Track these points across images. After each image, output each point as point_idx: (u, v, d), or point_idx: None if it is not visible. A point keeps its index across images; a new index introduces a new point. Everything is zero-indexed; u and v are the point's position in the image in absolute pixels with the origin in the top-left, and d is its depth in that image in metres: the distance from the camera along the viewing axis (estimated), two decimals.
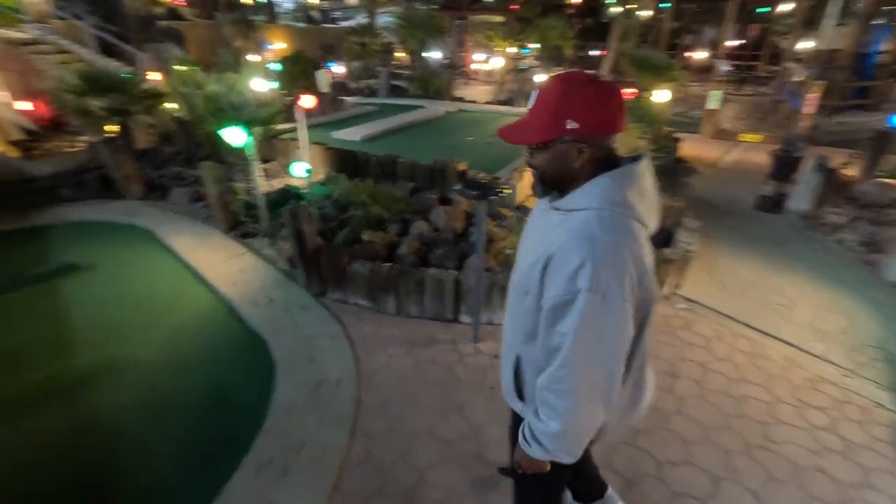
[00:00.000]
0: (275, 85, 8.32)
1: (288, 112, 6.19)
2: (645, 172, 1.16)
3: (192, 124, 6.51)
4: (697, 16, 20.01)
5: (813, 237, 5.29)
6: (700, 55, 16.93)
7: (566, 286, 1.08)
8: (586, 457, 1.50)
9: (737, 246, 4.98)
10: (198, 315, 3.89)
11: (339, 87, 11.97)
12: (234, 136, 4.35)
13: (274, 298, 3.99)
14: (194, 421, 2.85)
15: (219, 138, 4.66)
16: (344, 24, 19.98)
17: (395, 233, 4.52)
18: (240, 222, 5.19)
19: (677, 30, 19.67)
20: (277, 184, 5.91)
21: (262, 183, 4.91)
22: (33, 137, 7.64)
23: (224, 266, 4.50)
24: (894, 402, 2.91)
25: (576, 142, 1.11)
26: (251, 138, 4.49)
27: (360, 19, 18.91)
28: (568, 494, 2.00)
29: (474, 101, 11.20)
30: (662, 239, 4.37)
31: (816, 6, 13.46)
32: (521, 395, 1.40)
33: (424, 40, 13.42)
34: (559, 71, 1.23)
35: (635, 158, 1.17)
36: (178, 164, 6.88)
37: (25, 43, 9.38)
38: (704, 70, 15.62)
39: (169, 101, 7.20)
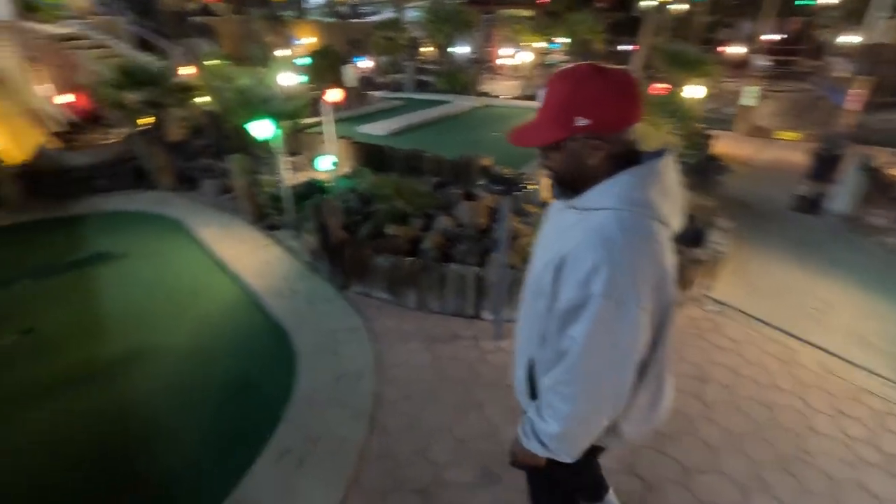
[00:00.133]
0: (303, 79, 8.40)
1: (315, 106, 6.25)
2: (668, 168, 1.09)
3: (221, 117, 6.64)
4: (734, 9, 19.34)
5: (853, 239, 5.05)
6: (736, 50, 16.36)
7: (579, 290, 1.04)
8: (591, 458, 1.46)
9: (771, 247, 4.79)
10: (223, 305, 3.97)
11: (366, 81, 12.03)
12: (263, 128, 4.41)
13: (298, 290, 4.03)
14: (218, 409, 2.91)
15: (247, 131, 4.73)
16: (371, 18, 20.06)
17: (419, 227, 4.51)
18: (266, 214, 5.27)
19: (712, 24, 19.06)
20: (303, 177, 5.97)
21: (289, 176, 4.97)
22: (73, 129, 7.92)
23: (250, 257, 4.57)
24: None
25: (589, 139, 1.05)
26: (279, 131, 4.54)
27: (388, 14, 18.96)
28: None
29: (501, 96, 11.09)
30: (692, 238, 4.24)
31: None
32: (534, 395, 1.37)
33: (451, 35, 13.37)
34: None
35: (658, 153, 1.11)
36: (207, 156, 7.02)
37: (66, 38, 9.71)
38: (740, 65, 15.10)
39: (200, 95, 7.35)
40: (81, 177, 6.27)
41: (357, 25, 18.69)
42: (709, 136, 6.65)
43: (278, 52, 11.71)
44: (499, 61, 16.76)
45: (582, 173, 1.10)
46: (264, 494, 2.25)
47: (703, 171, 5.73)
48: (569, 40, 13.33)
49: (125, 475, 2.47)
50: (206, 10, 15.52)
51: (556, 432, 1.16)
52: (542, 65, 14.10)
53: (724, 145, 7.91)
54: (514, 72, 15.79)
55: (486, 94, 11.32)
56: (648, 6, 14.85)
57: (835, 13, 15.07)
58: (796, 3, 17.46)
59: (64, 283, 4.28)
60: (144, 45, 10.96)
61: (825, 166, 5.69)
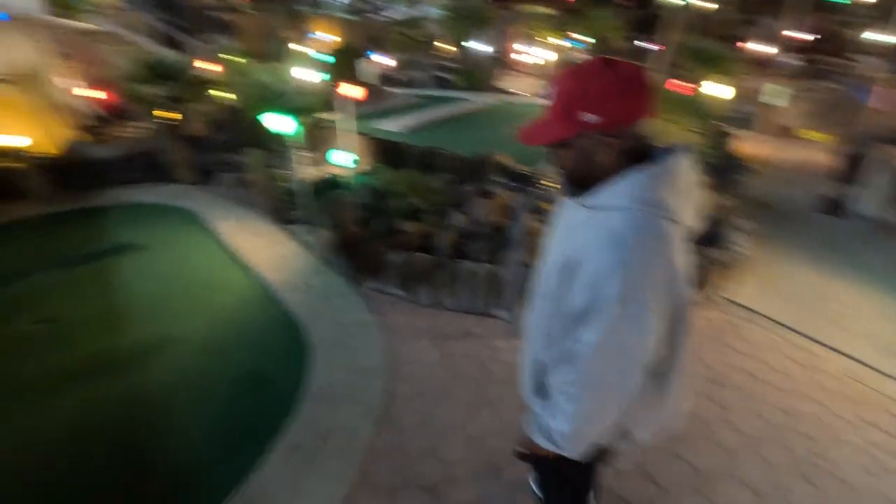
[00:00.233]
0: (324, 75, 8.45)
1: (334, 102, 6.27)
2: (682, 166, 1.06)
3: (240, 112, 6.71)
4: (759, 6, 18.87)
5: (880, 242, 4.90)
6: (759, 47, 15.97)
7: (589, 292, 1.02)
8: (600, 458, 1.44)
9: (793, 249, 4.67)
10: (239, 298, 4.01)
11: (385, 78, 12.05)
12: (281, 123, 4.44)
13: (312, 285, 4.05)
14: (231, 401, 2.94)
15: (266, 127, 4.77)
16: (388, 14, 20.07)
17: (433, 224, 4.50)
18: (282, 209, 5.31)
19: (735, 21, 18.64)
20: (320, 172, 6.00)
21: (306, 171, 5.00)
22: (99, 123, 8.08)
23: (266, 251, 4.62)
24: None
25: (599, 135, 1.02)
26: (301, 127, 4.57)
27: (407, 10, 18.95)
28: None
29: (520, 94, 11.02)
30: (710, 238, 4.16)
31: None
32: (539, 393, 1.35)
33: (470, 32, 13.30)
34: None
35: (671, 149, 1.07)
36: (226, 150, 7.10)
37: (94, 33, 9.90)
38: (763, 63, 14.75)
39: (219, 90, 7.44)
40: (105, 169, 6.40)
41: (376, 22, 18.73)
42: (727, 134, 6.51)
43: (297, 48, 11.79)
44: (518, 58, 16.65)
45: (592, 170, 1.08)
46: (274, 487, 2.27)
47: (724, 171, 5.61)
48: (589, 38, 13.17)
49: (139, 464, 2.51)
50: (227, 7, 15.70)
51: (564, 430, 1.15)
52: (561, 62, 13.96)
53: (745, 144, 7.74)
54: (534, 69, 15.67)
55: (504, 92, 11.25)
56: (674, 3, 14.58)
57: (865, 11, 14.61)
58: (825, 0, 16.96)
59: (85, 273, 4.37)
60: (168, 41, 11.14)
61: (851, 167, 5.53)
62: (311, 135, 6.29)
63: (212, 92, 7.47)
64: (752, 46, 15.34)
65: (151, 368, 3.19)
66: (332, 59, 10.30)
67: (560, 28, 13.67)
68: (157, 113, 6.87)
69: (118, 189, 6.19)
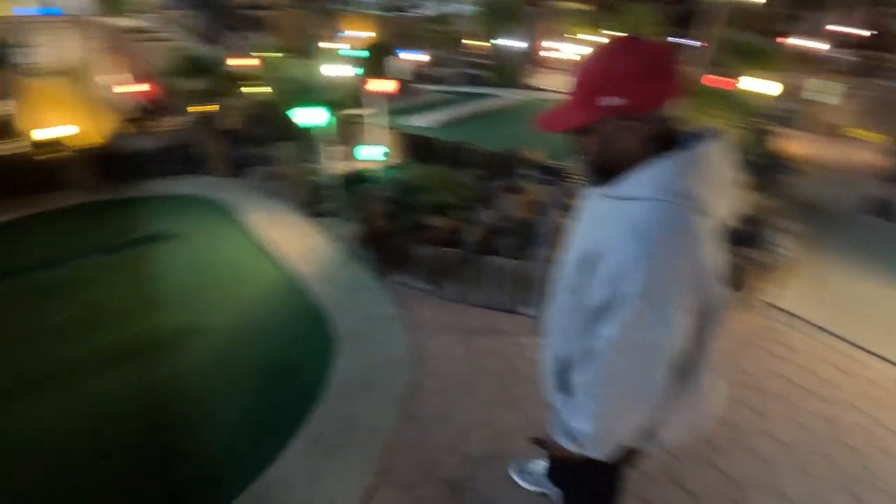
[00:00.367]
0: (357, 71, 8.52)
1: (365, 97, 6.31)
2: (713, 153, 0.98)
3: (274, 107, 6.82)
4: (805, 1, 18.04)
5: None
6: (805, 43, 15.27)
7: (610, 287, 0.96)
8: (626, 461, 1.38)
9: (838, 252, 4.44)
10: (268, 288, 4.07)
11: (416, 74, 12.08)
12: (313, 116, 4.48)
13: (340, 277, 4.08)
14: (258, 388, 2.98)
15: (298, 122, 4.84)
16: (422, 12, 20.10)
17: (461, 219, 4.47)
18: (312, 202, 5.37)
19: (779, 15, 17.88)
20: (351, 166, 6.05)
21: (336, 165, 5.04)
22: (141, 116, 8.38)
23: (295, 243, 4.67)
24: None
25: (622, 120, 0.96)
26: (333, 118, 4.61)
27: (438, 7, 18.93)
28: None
29: (551, 90, 10.86)
30: (749, 239, 3.99)
31: None
32: (562, 390, 1.30)
33: (502, 28, 13.19)
34: None
35: (701, 134, 1.00)
36: (259, 144, 7.24)
37: (138, 31, 10.26)
38: (810, 59, 14.10)
39: (253, 85, 7.59)
40: (144, 161, 6.62)
41: (408, 19, 18.78)
42: (770, 133, 6.24)
43: (330, 45, 11.93)
44: (549, 55, 16.42)
45: (616, 158, 1.02)
46: (294, 477, 2.28)
47: (765, 170, 5.37)
48: (624, 34, 12.85)
49: (165, 447, 2.57)
50: (262, 5, 16.02)
51: (587, 430, 1.11)
52: None
53: (790, 143, 7.42)
54: (566, 66, 15.41)
55: (535, 88, 11.10)
56: None
57: None
58: None
59: (122, 261, 4.53)
60: (206, 38, 11.44)
61: None
62: (341, 129, 6.36)
63: (246, 87, 7.63)
64: (798, 42, 14.69)
65: (181, 354, 3.27)
66: (363, 56, 10.38)
67: (593, 24, 13.38)
68: (193, 107, 7.06)
69: (155, 180, 6.39)
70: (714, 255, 0.99)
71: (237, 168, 6.62)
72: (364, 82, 5.74)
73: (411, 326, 3.43)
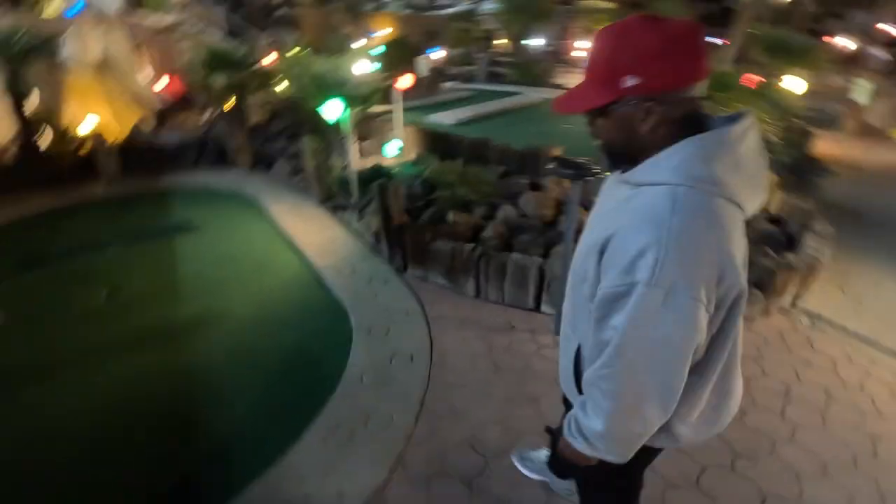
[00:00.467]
0: (377, 67, 8.55)
1: (387, 93, 6.31)
2: (743, 137, 0.91)
3: (298, 102, 6.88)
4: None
5: None
6: (846, 42, 14.68)
7: (623, 276, 0.90)
8: (645, 460, 1.30)
9: (879, 258, 4.23)
10: (287, 279, 4.10)
11: (438, 71, 12.05)
12: (333, 108, 4.49)
13: (358, 270, 4.07)
14: (274, 378, 2.98)
15: (320, 116, 4.85)
16: (446, 11, 20.09)
17: (481, 215, 4.41)
18: (334, 196, 5.39)
19: (818, 14, 17.23)
20: (371, 161, 6.05)
21: (357, 160, 5.05)
22: (167, 110, 8.56)
23: (316, 236, 4.69)
24: None
25: (643, 101, 0.90)
26: (348, 110, 4.61)
27: (463, 6, 18.89)
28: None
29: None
30: (785, 242, 3.83)
31: None
32: (580, 387, 1.24)
33: (527, 26, 13.06)
34: None
35: (732, 118, 0.93)
36: (283, 139, 7.32)
37: (167, 27, 10.50)
38: (852, 59, 13.55)
39: (279, 81, 7.67)
40: (170, 154, 6.76)
41: (432, 17, 18.79)
42: (808, 133, 5.98)
43: (355, 43, 12.01)
44: (576, 54, 16.20)
45: (635, 142, 0.96)
46: (309, 468, 2.26)
47: (800, 171, 5.16)
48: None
49: (183, 433, 2.59)
50: (290, 3, 16.24)
51: (600, 430, 1.04)
52: None
53: (828, 145, 7.12)
54: None
55: (560, 87, 10.95)
56: None
57: None
58: None
59: (146, 251, 4.62)
60: (234, 34, 11.64)
61: None
62: (364, 125, 6.37)
63: (272, 82, 7.71)
64: (841, 41, 14.13)
65: (202, 342, 3.30)
66: (386, 52, 10.40)
67: None
68: (219, 101, 7.17)
69: (181, 173, 6.52)
70: (741, 247, 0.92)
71: (262, 162, 6.70)
72: (390, 79, 5.73)
73: (429, 321, 3.39)
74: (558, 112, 1.05)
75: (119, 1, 9.47)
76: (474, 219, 4.31)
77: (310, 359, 3.13)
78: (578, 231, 3.68)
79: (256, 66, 7.54)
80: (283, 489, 2.16)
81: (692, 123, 0.93)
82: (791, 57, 7.35)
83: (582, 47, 15.01)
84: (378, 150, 6.08)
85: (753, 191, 0.94)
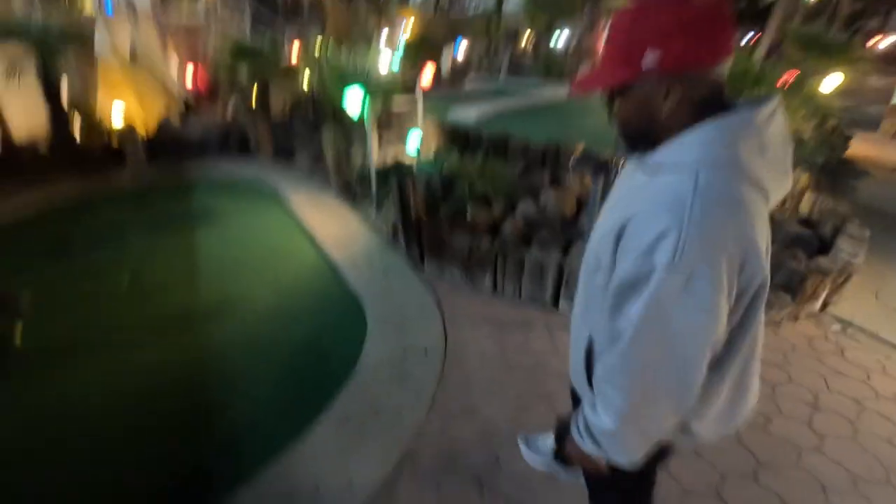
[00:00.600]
0: (399, 61, 8.54)
1: (408, 88, 6.29)
2: (770, 120, 0.85)
3: (320, 94, 6.91)
4: None
5: None
6: (887, 41, 14.10)
7: (640, 261, 0.85)
8: (659, 459, 1.24)
9: None
10: (304, 270, 4.12)
11: (462, 67, 11.99)
12: (354, 98, 4.49)
13: (375, 263, 4.06)
14: (285, 368, 2.99)
15: (342, 109, 4.86)
16: (471, 6, 19.98)
17: (500, 211, 4.35)
18: (353, 188, 5.40)
19: (856, 13, 16.56)
20: (391, 155, 6.04)
21: (377, 153, 5.04)
22: (193, 102, 8.71)
23: (333, 228, 4.70)
24: None
25: (664, 79, 0.85)
26: (367, 99, 4.60)
27: (488, 1, 18.77)
28: None
29: None
30: (818, 246, 3.68)
31: None
32: (591, 382, 1.19)
33: (552, 22, 12.90)
34: None
35: (758, 101, 0.86)
36: (305, 130, 7.36)
37: (195, 23, 10.67)
38: (892, 59, 13.01)
39: (303, 74, 7.72)
40: (194, 144, 6.86)
41: (457, 13, 18.71)
42: (847, 136, 5.75)
43: (381, 37, 12.02)
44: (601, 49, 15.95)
45: (655, 124, 0.90)
46: (320, 457, 2.25)
47: (835, 173, 4.96)
48: None
49: (194, 417, 2.62)
50: None
51: (610, 428, 0.98)
52: None
53: (865, 147, 6.84)
54: None
55: None
56: None
57: None
58: None
59: (169, 239, 4.70)
60: (262, 26, 11.78)
61: None
62: (385, 118, 6.36)
63: (295, 75, 7.77)
64: (883, 41, 13.57)
65: (219, 330, 3.33)
66: (409, 46, 10.39)
67: None
68: (244, 93, 7.26)
69: (205, 163, 6.61)
70: (764, 234, 0.87)
71: (283, 153, 6.75)
72: (415, 73, 5.71)
73: (444, 316, 3.36)
74: (577, 92, 1.00)
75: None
76: (493, 214, 4.25)
77: (324, 350, 3.13)
78: None
79: (281, 59, 7.61)
80: (294, 476, 2.16)
81: (715, 105, 0.87)
82: (826, 55, 7.06)
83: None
84: (398, 143, 6.07)
85: (779, 176, 0.89)
